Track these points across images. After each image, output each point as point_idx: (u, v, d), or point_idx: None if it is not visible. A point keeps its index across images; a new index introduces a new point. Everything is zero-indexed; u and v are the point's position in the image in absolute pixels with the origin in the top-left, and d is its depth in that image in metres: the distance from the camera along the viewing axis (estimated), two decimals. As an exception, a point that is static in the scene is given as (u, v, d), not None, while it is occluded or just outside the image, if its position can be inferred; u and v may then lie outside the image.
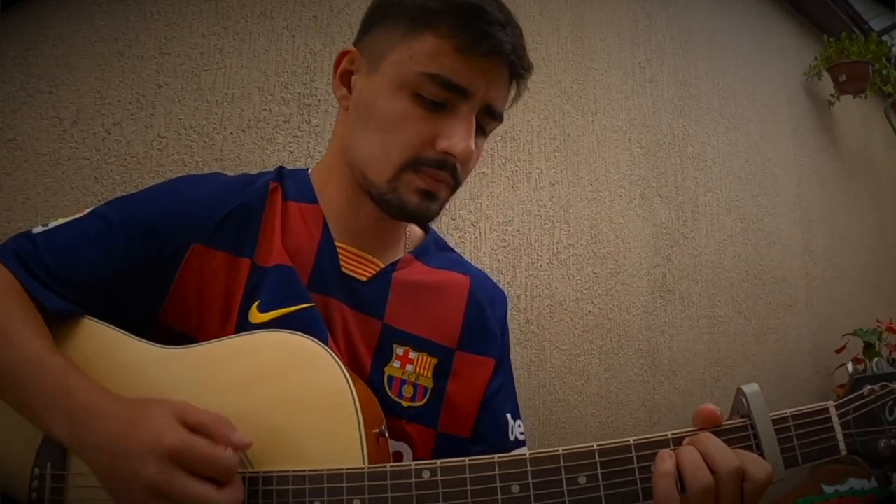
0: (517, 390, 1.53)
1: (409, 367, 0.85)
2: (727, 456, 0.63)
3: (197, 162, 1.30)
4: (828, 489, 2.16)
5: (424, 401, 0.86)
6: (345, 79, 0.85)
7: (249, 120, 1.37)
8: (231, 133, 1.35)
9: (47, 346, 0.72)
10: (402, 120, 0.78)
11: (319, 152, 1.47)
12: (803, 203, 3.20)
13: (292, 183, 0.87)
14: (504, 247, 1.80)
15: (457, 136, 0.77)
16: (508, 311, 1.00)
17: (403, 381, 0.85)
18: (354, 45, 0.86)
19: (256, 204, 0.83)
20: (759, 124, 2.98)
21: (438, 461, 0.66)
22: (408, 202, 0.79)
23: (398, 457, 0.82)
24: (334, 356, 0.72)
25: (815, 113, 3.58)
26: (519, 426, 0.95)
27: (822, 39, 3.58)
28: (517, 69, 0.81)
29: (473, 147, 0.78)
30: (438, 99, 0.77)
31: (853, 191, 3.87)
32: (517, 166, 1.88)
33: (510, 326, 1.69)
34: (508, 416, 0.93)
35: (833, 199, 3.55)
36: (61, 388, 0.68)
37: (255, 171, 1.33)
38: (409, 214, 0.81)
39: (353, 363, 0.81)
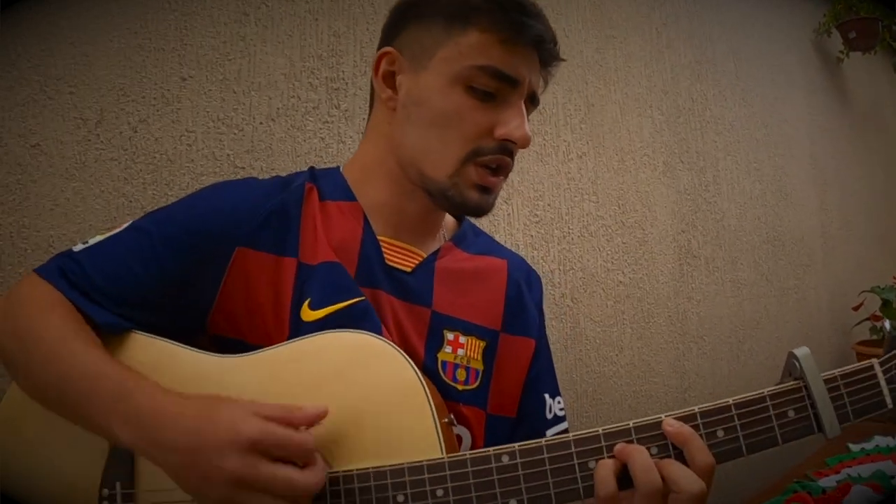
0: (556, 364, 1.56)
1: (460, 352, 0.87)
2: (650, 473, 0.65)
3: (228, 155, 1.28)
4: (854, 447, 2.19)
5: (477, 383, 0.88)
6: (388, 80, 0.87)
7: (278, 108, 1.35)
8: (261, 123, 1.33)
9: (102, 356, 0.72)
10: (458, 113, 0.81)
11: (350, 137, 1.46)
12: (817, 162, 3.20)
13: (327, 182, 0.89)
14: (536, 222, 1.80)
15: (513, 123, 0.81)
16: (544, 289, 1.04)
17: (457, 366, 0.87)
18: (389, 45, 0.88)
19: (295, 205, 0.85)
20: (773, 85, 2.96)
21: (517, 445, 0.68)
22: (468, 198, 0.83)
23: (459, 441, 0.84)
24: (399, 350, 0.73)
25: (826, 71, 3.56)
26: (558, 402, 0.98)
27: (830, -5, 3.55)
28: (552, 56, 0.86)
29: (530, 134, 0.83)
30: (490, 89, 0.81)
31: (865, 148, 3.86)
32: (545, 140, 1.87)
33: (545, 301, 1.71)
34: (546, 395, 0.96)
35: (845, 157, 3.55)
36: (122, 392, 0.68)
37: (287, 160, 1.35)
38: (470, 209, 0.85)
39: (407, 352, 0.80)
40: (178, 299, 0.80)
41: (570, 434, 0.69)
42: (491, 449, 0.68)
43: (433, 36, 0.83)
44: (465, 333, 0.88)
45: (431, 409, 0.70)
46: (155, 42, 1.21)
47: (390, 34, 0.89)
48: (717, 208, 2.41)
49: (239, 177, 1.20)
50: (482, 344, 0.90)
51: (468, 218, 1.01)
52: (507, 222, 1.74)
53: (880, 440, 2.20)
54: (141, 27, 1.20)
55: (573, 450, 0.68)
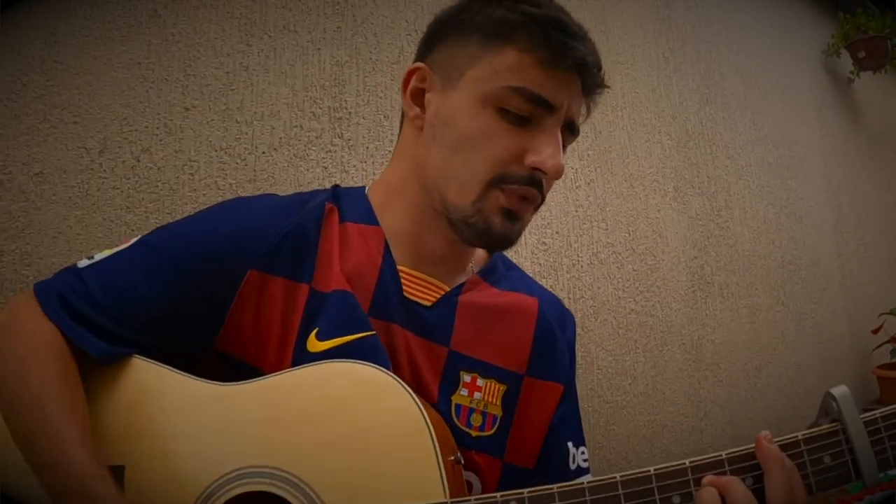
0: None
1: (476, 395, 0.82)
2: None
3: (230, 184, 1.28)
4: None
5: (494, 430, 0.82)
6: (416, 97, 0.82)
7: (280, 138, 1.35)
8: (263, 152, 1.33)
9: (75, 437, 0.67)
10: (487, 136, 0.75)
11: (354, 166, 1.45)
12: (831, 184, 3.16)
13: (349, 203, 0.84)
14: (545, 250, 1.78)
15: (546, 152, 0.75)
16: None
17: (472, 410, 0.81)
18: (421, 61, 0.83)
19: (313, 226, 0.80)
20: (783, 106, 2.94)
21: (525, 491, 0.64)
22: (493, 224, 0.76)
23: (469, 487, 0.79)
24: (404, 384, 0.69)
25: (836, 91, 3.53)
26: (582, 453, 0.91)
27: (837, 16, 3.53)
28: (595, 83, 0.79)
29: (563, 164, 0.76)
30: (524, 113, 0.74)
31: (879, 168, 3.82)
32: (552, 167, 1.85)
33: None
34: (570, 444, 0.90)
35: (860, 177, 3.51)
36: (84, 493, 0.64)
37: (290, 189, 1.33)
38: (493, 238, 0.78)
39: (419, 392, 0.76)
40: (184, 320, 0.76)
41: (585, 482, 0.64)
42: (499, 494, 0.64)
43: (468, 53, 0.77)
44: (484, 376, 0.83)
45: (435, 447, 0.66)
46: (158, 72, 1.22)
47: (424, 50, 0.84)
48: (730, 233, 2.38)
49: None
50: (502, 388, 0.83)
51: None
52: (514, 251, 1.69)
53: (905, 467, 2.13)
54: (145, 58, 1.20)
55: (587, 497, 0.63)
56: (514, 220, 0.78)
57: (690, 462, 0.64)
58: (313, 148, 1.40)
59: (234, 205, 0.84)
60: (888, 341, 3.15)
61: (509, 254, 1.69)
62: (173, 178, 1.21)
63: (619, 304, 1.92)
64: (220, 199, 1.23)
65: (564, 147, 0.79)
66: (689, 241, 2.20)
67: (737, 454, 0.64)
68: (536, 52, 0.74)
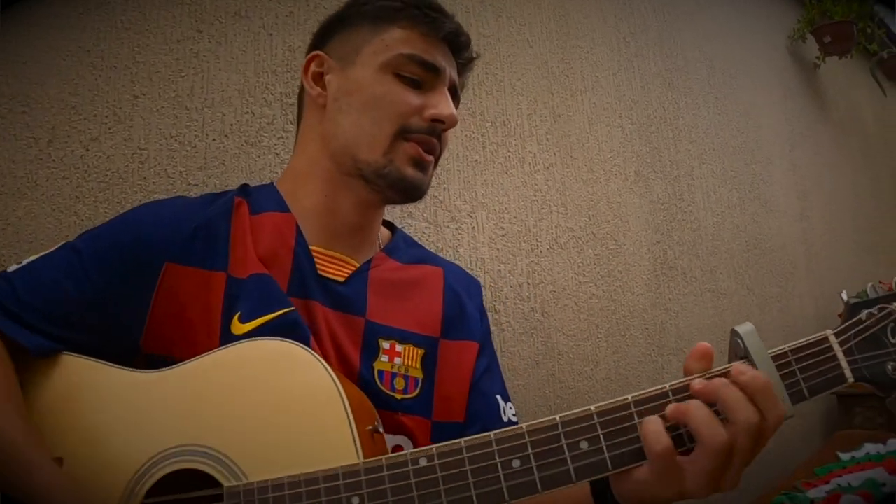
0: (526, 381, 1.51)
1: (397, 360, 0.87)
2: (748, 410, 0.61)
3: (181, 172, 1.26)
4: (844, 456, 2.13)
5: (417, 391, 0.88)
6: (317, 80, 0.93)
7: (232, 124, 1.33)
8: (214, 139, 1.30)
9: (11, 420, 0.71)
10: (389, 96, 0.87)
11: (307, 152, 1.42)
12: (797, 168, 3.17)
13: (259, 196, 0.90)
14: (503, 235, 1.76)
15: (441, 104, 0.88)
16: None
17: (394, 375, 0.87)
18: (318, 49, 0.95)
19: (222, 218, 0.86)
20: (748, 91, 2.94)
21: (434, 447, 0.65)
22: (406, 174, 0.87)
23: (399, 451, 0.81)
24: (317, 357, 0.71)
25: (802, 76, 3.55)
26: (511, 408, 0.97)
27: (803, 1, 3.54)
28: (468, 52, 0.95)
29: (456, 114, 0.89)
30: (417, 77, 0.88)
31: (845, 153, 3.84)
32: (510, 151, 1.83)
33: (514, 315, 1.65)
34: (498, 397, 0.96)
35: (826, 162, 3.53)
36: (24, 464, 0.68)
37: (241, 176, 1.31)
38: (408, 186, 0.88)
39: (342, 362, 0.83)
40: (108, 318, 0.80)
41: (492, 432, 0.65)
42: (408, 452, 0.65)
43: (362, 36, 0.90)
44: (402, 342, 0.89)
45: (348, 414, 0.68)
46: (107, 60, 1.20)
47: (319, 41, 0.96)
48: (693, 217, 2.37)
49: (193, 194, 1.19)
50: (420, 352, 0.90)
51: (400, 229, 1.03)
52: (471, 236, 1.70)
53: (871, 448, 2.14)
54: (93, 45, 1.18)
55: (495, 448, 0.63)
56: (423, 169, 0.88)
57: (595, 408, 0.65)
58: (265, 135, 1.38)
59: (147, 206, 0.90)
60: (830, 329, 3.17)
61: (468, 235, 1.69)
62: (123, 167, 1.19)
63: (581, 288, 1.90)
64: (170, 187, 1.23)
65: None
66: (651, 225, 2.19)
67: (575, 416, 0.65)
68: (418, 27, 0.89)
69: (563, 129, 1.99)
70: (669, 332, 2.16)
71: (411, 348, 0.89)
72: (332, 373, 0.70)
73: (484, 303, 1.06)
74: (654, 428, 0.62)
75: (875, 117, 4.68)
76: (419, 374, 0.89)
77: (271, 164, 1.37)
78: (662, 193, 2.26)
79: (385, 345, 0.87)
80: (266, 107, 1.39)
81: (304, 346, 0.72)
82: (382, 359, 0.86)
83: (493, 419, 0.93)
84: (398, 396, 0.86)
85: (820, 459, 2.16)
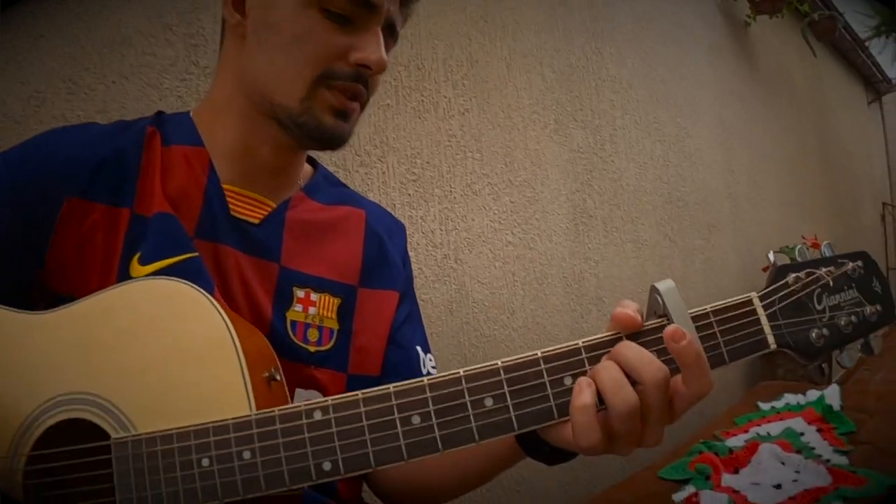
0: (439, 328, 1.47)
1: (311, 310, 0.82)
2: (651, 366, 0.57)
3: (79, 116, 1.18)
4: (764, 406, 2.17)
5: (331, 343, 0.82)
6: (237, 6, 0.81)
7: (132, 65, 1.24)
8: (114, 81, 1.22)
9: None
10: (311, 35, 0.76)
11: (210, 95, 1.35)
12: (724, 123, 3.20)
13: (173, 126, 0.83)
14: (414, 180, 1.71)
15: (369, 48, 0.77)
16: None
17: (308, 325, 0.81)
18: None
19: (133, 149, 0.78)
20: (676, 47, 2.94)
21: (330, 399, 0.60)
22: (324, 123, 0.77)
23: None
24: (210, 298, 0.66)
25: (733, 34, 3.57)
26: (431, 360, 0.92)
27: (734, -42, 3.56)
28: None
29: (386, 58, 0.78)
30: (346, 13, 0.76)
31: (773, 112, 3.90)
32: (423, 96, 1.78)
33: (426, 262, 1.62)
34: (419, 348, 0.91)
35: (753, 119, 3.57)
36: None
37: (142, 120, 1.24)
38: (326, 136, 0.78)
39: (253, 310, 0.77)
40: (9, 249, 0.74)
41: (391, 385, 0.60)
42: (303, 404, 0.60)
43: None
44: (317, 290, 0.83)
45: (240, 360, 0.63)
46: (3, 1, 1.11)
47: None
48: (614, 167, 2.37)
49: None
50: (336, 301, 0.84)
51: (323, 166, 0.96)
52: (381, 181, 1.65)
53: (790, 398, 2.17)
54: None
55: (393, 402, 0.58)
56: (345, 118, 0.78)
57: (502, 363, 0.59)
58: (167, 76, 1.31)
59: (51, 134, 0.82)
60: (755, 291, 3.24)
61: (378, 179, 1.64)
62: (18, 112, 1.11)
63: (496, 236, 1.88)
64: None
65: (387, 50, 0.80)
66: (570, 174, 2.17)
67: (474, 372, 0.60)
68: None
69: (480, 74, 1.94)
70: (589, 281, 2.16)
71: (327, 297, 0.83)
72: (225, 315, 0.65)
73: (408, 247, 1.00)
74: (581, 384, 0.58)
75: (804, 78, 4.77)
76: (334, 325, 0.83)
77: (174, 107, 1.30)
78: (583, 142, 2.24)
79: (300, 293, 0.81)
80: (168, 48, 1.31)
81: (196, 287, 0.67)
82: (296, 308, 0.81)
83: (412, 372, 0.88)
84: (311, 349, 0.81)
85: (740, 409, 2.19)
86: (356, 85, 0.78)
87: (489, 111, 1.94)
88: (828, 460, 1.64)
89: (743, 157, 3.31)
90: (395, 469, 0.64)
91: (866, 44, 6.64)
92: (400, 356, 0.89)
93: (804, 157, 4.33)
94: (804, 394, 2.15)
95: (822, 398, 2.05)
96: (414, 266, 1.66)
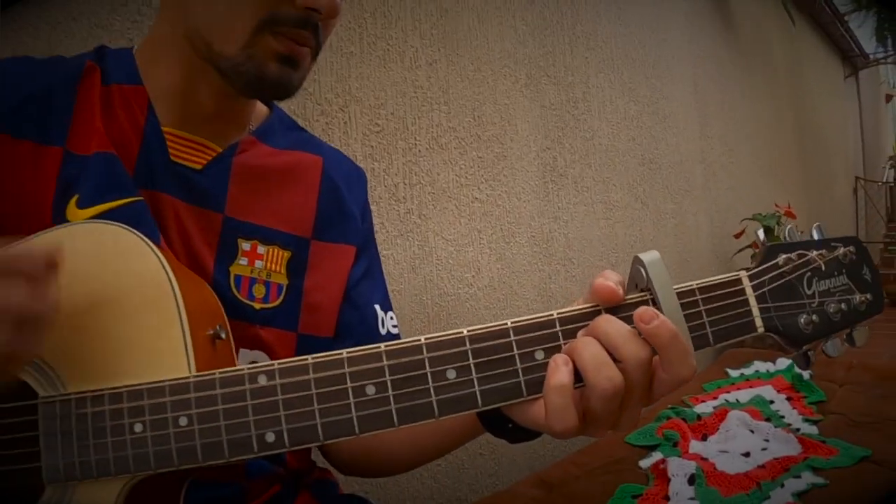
0: (401, 286, 1.40)
1: (258, 264, 0.77)
2: (633, 344, 0.52)
3: None
4: (733, 373, 2.16)
5: (279, 300, 0.77)
6: None
7: (80, 4, 1.16)
8: (60, 22, 1.14)
9: None
10: None
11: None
12: (700, 89, 3.16)
13: (114, 63, 0.76)
14: (377, 132, 1.65)
15: None
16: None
17: (253, 280, 0.76)
18: None
19: (67, 84, 0.73)
20: (654, 7, 2.88)
21: (277, 362, 0.54)
22: (267, 71, 0.69)
23: None
24: (153, 246, 0.60)
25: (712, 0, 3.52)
26: (392, 318, 0.87)
27: (715, -81, 3.49)
28: None
29: (338, 1, 0.71)
30: None
31: (750, 81, 3.87)
32: (389, 45, 1.71)
33: (389, 217, 1.56)
34: (377, 307, 0.86)
35: (729, 85, 3.54)
36: None
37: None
38: (270, 86, 0.71)
39: (193, 264, 0.73)
40: None
41: (345, 350, 0.54)
42: (246, 367, 0.54)
43: None
44: (265, 242, 0.77)
45: (181, 315, 0.57)
46: None
47: None
48: (586, 126, 2.31)
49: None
50: (286, 254, 0.78)
51: (280, 108, 0.88)
52: (343, 131, 1.58)
53: (760, 365, 2.17)
54: None
55: (346, 370, 0.53)
56: (293, 65, 0.71)
57: (469, 331, 0.54)
58: (117, 17, 1.23)
59: None
60: (750, 246, 3.24)
61: (339, 130, 1.57)
62: None
63: (462, 191, 1.82)
64: None
65: None
66: (541, 130, 2.11)
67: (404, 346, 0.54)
68: None
69: (449, 25, 1.87)
70: (558, 240, 2.11)
71: (276, 250, 0.78)
72: (167, 265, 0.60)
73: (369, 198, 0.93)
74: (557, 361, 0.52)
75: (782, 49, 4.74)
76: (283, 280, 0.78)
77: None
78: (555, 99, 2.19)
79: (245, 245, 0.76)
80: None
81: (137, 234, 0.61)
82: (241, 262, 0.75)
83: (368, 333, 0.83)
84: (256, 306, 0.75)
85: (709, 376, 2.18)
86: (303, 32, 0.70)
87: (458, 63, 1.87)
88: (797, 429, 1.63)
89: (718, 123, 3.28)
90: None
91: (846, 18, 6.63)
92: (355, 317, 0.84)
93: (779, 127, 4.31)
94: (773, 362, 2.15)
95: (791, 366, 2.04)
96: (376, 221, 1.61)
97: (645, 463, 1.52)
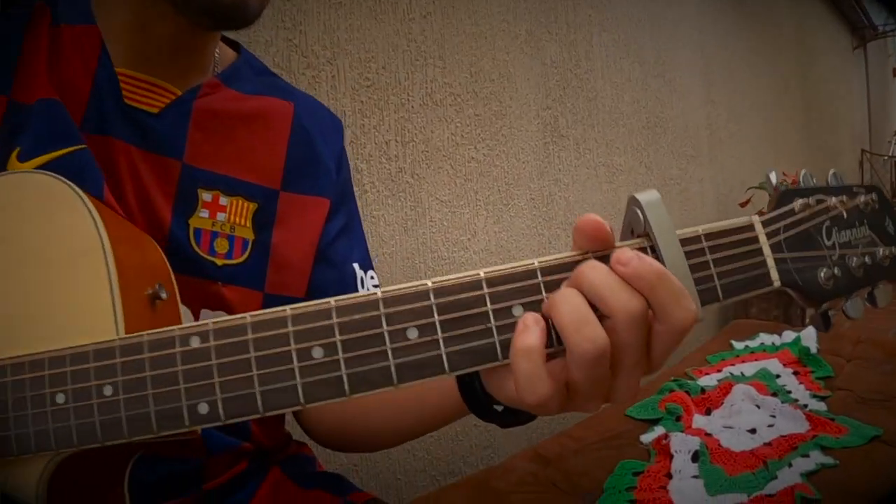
0: (392, 249, 1.31)
1: (220, 216, 0.71)
2: (622, 293, 0.42)
3: None
4: (738, 345, 2.08)
5: (244, 256, 0.72)
6: None
7: None
8: None
9: None
10: None
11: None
12: (705, 52, 3.06)
13: (65, 1, 0.70)
14: (368, 86, 1.57)
15: None
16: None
17: (215, 234, 0.71)
18: None
19: (14, 28, 0.67)
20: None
21: (212, 322, 0.46)
22: None
23: None
24: (84, 196, 0.54)
25: (719, -38, 3.41)
26: (372, 278, 0.82)
27: None
28: None
29: None
30: None
31: (757, 49, 3.77)
32: (381, -5, 1.62)
33: (379, 176, 1.47)
34: (356, 265, 0.81)
35: (736, 52, 3.44)
36: None
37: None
38: (224, 10, 0.64)
39: (148, 216, 0.67)
40: None
41: (289, 307, 0.45)
42: (177, 328, 0.46)
43: None
44: (228, 193, 0.71)
45: (109, 273, 0.51)
46: None
47: None
48: (589, 86, 2.23)
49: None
50: (252, 206, 0.72)
51: (248, 52, 0.81)
52: (330, 85, 1.50)
53: (766, 338, 2.09)
54: None
55: (290, 329, 0.44)
56: None
57: (434, 283, 0.44)
58: None
59: None
60: (755, 214, 3.16)
61: (327, 84, 1.49)
62: None
63: (457, 150, 1.74)
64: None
65: None
66: (542, 89, 2.03)
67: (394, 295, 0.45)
68: None
69: (445, -24, 1.78)
70: (558, 203, 2.04)
71: (240, 201, 0.72)
72: (97, 217, 0.53)
73: (346, 147, 0.87)
74: (526, 320, 0.43)
75: (791, 18, 4.62)
76: (249, 235, 0.72)
77: None
78: (557, 57, 2.10)
79: (206, 196, 0.70)
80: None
81: (68, 183, 0.55)
82: (201, 214, 0.69)
83: (347, 292, 0.74)
84: (218, 262, 0.70)
85: (713, 347, 2.11)
86: None
87: (454, 16, 1.78)
88: (805, 405, 1.55)
89: (724, 90, 3.19)
90: (325, 408, 0.53)
91: (855, -13, 6.48)
92: (331, 275, 0.78)
93: (785, 97, 4.21)
94: (779, 334, 2.07)
95: (798, 340, 1.96)
96: (364, 180, 1.53)
97: (646, 438, 1.45)
